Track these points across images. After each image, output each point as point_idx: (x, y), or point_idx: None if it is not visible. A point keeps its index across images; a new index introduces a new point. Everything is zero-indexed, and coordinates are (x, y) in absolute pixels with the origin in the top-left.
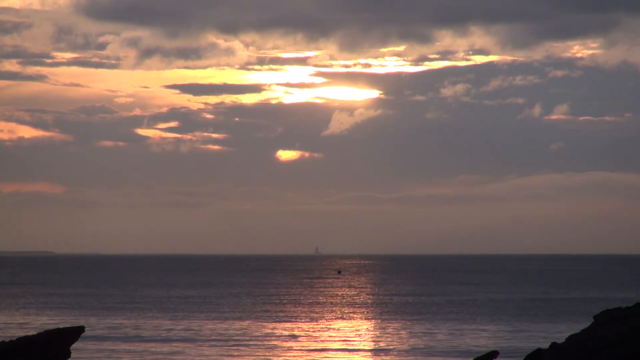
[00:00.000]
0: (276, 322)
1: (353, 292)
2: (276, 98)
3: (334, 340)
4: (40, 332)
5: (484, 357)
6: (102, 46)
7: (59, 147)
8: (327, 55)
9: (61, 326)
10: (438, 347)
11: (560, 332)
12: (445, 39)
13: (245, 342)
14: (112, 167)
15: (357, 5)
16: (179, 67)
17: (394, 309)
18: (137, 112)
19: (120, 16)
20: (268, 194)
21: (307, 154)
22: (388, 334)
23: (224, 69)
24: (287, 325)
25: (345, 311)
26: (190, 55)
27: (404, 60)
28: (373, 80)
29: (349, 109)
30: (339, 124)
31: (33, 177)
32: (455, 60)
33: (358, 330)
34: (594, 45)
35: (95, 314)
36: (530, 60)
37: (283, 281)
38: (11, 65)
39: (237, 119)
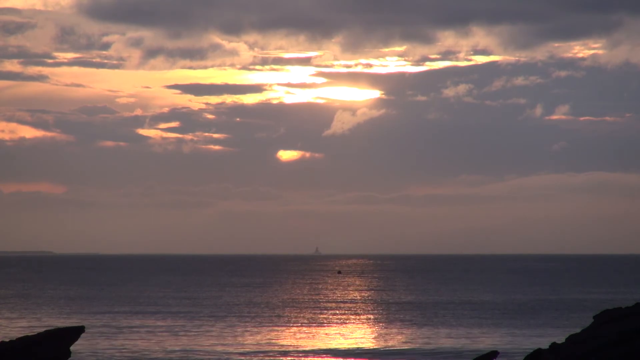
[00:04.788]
0: (274, 324)
1: (353, 293)
2: (277, 98)
3: (334, 342)
4: (40, 332)
5: (484, 357)
6: (105, 46)
7: (60, 148)
8: (330, 55)
9: (61, 326)
10: (438, 347)
11: (560, 332)
12: (448, 39)
13: (246, 343)
14: (113, 167)
15: (360, 6)
16: (181, 68)
17: (394, 309)
18: (139, 112)
19: (123, 17)
20: (269, 194)
21: (307, 154)
22: (388, 334)
23: (225, 69)
24: (287, 326)
25: (345, 312)
26: (192, 55)
27: (406, 60)
28: (374, 80)
29: (350, 109)
30: (341, 124)
31: (34, 177)
32: (457, 61)
33: (358, 331)
34: (597, 45)
35: (96, 314)
36: (534, 60)
37: (282, 282)
38: (12, 66)
39: (238, 119)
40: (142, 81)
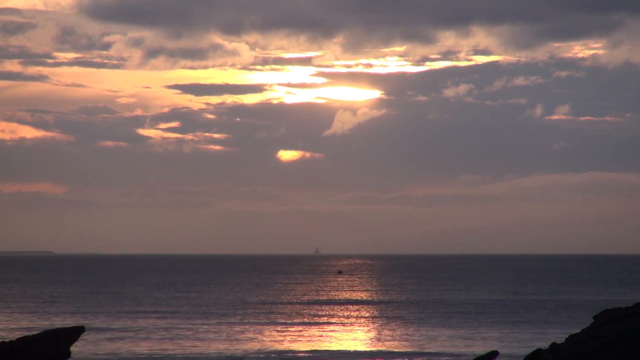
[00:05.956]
0: (275, 324)
1: (354, 293)
2: (277, 98)
3: (334, 342)
4: (40, 332)
5: (483, 357)
6: (105, 46)
7: (60, 148)
8: (331, 55)
9: (61, 326)
10: (438, 347)
11: (560, 332)
12: (448, 39)
13: (246, 344)
14: (114, 167)
15: (360, 6)
16: (182, 68)
17: (394, 309)
18: (139, 112)
19: (123, 17)
20: (269, 194)
21: (308, 154)
22: (388, 334)
23: (225, 69)
24: (287, 326)
25: (346, 312)
26: (193, 55)
27: (406, 60)
28: (375, 80)
29: (350, 109)
30: (341, 124)
31: (34, 177)
32: (458, 61)
33: (358, 332)
34: (597, 45)
35: (96, 314)
36: (535, 60)
37: (282, 282)
38: (13, 66)
39: (238, 119)
40: (143, 81)
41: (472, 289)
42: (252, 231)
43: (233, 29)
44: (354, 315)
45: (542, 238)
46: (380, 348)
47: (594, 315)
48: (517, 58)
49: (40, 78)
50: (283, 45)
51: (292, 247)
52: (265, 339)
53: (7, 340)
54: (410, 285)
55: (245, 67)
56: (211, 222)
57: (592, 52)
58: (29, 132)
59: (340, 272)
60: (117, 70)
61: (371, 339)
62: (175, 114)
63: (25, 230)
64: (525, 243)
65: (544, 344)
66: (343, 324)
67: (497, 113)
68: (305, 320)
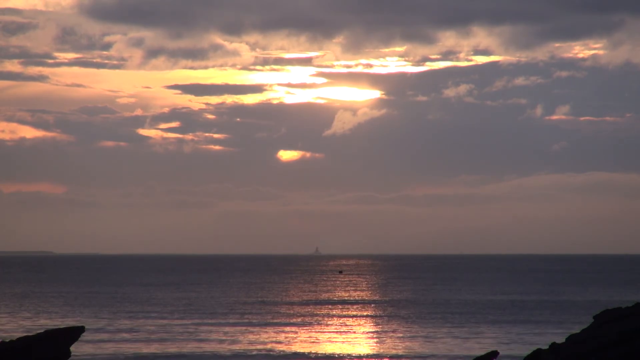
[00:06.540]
0: (275, 324)
1: (354, 293)
2: (278, 98)
3: (334, 342)
4: (40, 332)
5: (483, 357)
6: (106, 47)
7: (61, 148)
8: (331, 55)
9: (61, 326)
10: (437, 347)
11: (560, 332)
12: (449, 39)
13: (246, 344)
14: (114, 167)
15: (360, 6)
16: (182, 68)
17: (394, 309)
18: (139, 112)
19: (124, 17)
20: (269, 194)
21: (308, 154)
22: (388, 334)
23: (225, 70)
24: (287, 327)
25: (346, 312)
26: (194, 56)
27: (406, 60)
28: (375, 80)
29: (350, 109)
30: (341, 124)
31: (34, 177)
32: (458, 61)
33: (357, 332)
34: (597, 46)
35: (96, 314)
36: (535, 60)
37: (282, 282)
38: (13, 66)
39: (238, 119)
40: (143, 81)
41: (472, 289)
42: (252, 231)
43: (233, 29)
44: (354, 314)
45: (542, 238)
46: (380, 348)
47: (594, 315)
48: (517, 58)
49: (41, 78)
50: (283, 46)
51: (292, 247)
52: (265, 339)
53: (7, 340)
54: (410, 285)
55: (245, 67)
56: (211, 222)
57: (592, 52)
58: (29, 132)
59: (340, 272)
60: (117, 71)
61: (371, 338)
62: (175, 114)
63: (25, 230)
64: (525, 243)
65: (544, 344)
66: (343, 324)
67: (497, 113)
68: (306, 320)
